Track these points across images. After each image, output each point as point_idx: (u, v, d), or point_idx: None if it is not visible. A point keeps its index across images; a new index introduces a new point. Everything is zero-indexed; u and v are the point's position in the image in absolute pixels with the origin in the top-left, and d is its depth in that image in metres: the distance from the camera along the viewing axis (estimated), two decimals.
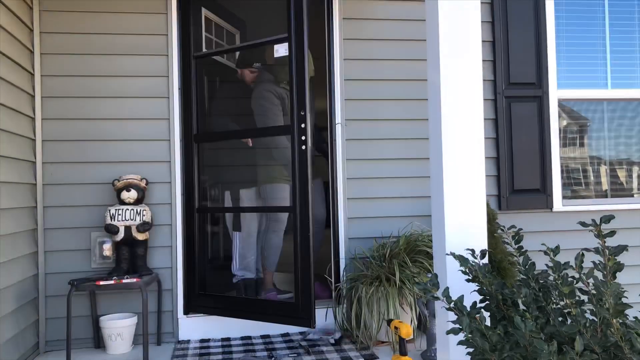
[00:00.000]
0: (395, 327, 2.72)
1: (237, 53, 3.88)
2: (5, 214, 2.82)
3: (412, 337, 2.89)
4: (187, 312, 3.40)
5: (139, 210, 3.23)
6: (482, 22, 3.73)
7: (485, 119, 3.69)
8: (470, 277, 1.74)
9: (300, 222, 3.05)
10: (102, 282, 3.00)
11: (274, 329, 3.48)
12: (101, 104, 3.39)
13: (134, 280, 3.03)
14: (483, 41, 3.69)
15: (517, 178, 3.75)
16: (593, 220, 1.54)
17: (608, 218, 1.53)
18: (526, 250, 1.86)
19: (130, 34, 3.43)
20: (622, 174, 4.01)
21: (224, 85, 4.03)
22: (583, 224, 1.54)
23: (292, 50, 3.06)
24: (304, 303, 3.04)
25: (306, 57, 3.02)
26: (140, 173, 3.35)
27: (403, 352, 2.70)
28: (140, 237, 3.22)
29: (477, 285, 1.77)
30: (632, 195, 4.00)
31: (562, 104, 3.90)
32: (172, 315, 3.41)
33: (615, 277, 1.48)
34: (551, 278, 1.69)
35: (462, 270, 1.75)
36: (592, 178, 3.96)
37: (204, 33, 3.53)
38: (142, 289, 2.98)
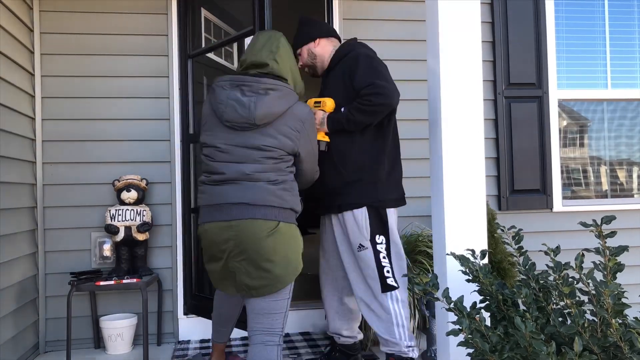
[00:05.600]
0: None
1: (235, 55, 3.86)
2: (5, 214, 2.82)
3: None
4: (187, 312, 3.40)
5: (139, 211, 3.23)
6: (482, 22, 3.73)
7: (485, 119, 3.69)
8: (470, 278, 1.74)
9: None
10: (102, 283, 3.00)
11: None
12: (101, 104, 3.39)
13: (134, 280, 3.03)
14: (483, 41, 3.69)
15: (517, 178, 3.74)
16: (594, 220, 1.54)
17: (609, 219, 1.52)
18: (526, 251, 1.86)
19: (131, 34, 3.43)
20: (622, 174, 4.00)
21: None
22: (584, 224, 1.54)
23: None
24: None
25: None
26: (140, 173, 3.35)
27: None
28: (141, 237, 3.22)
29: (477, 286, 1.77)
30: (632, 196, 4.00)
31: (562, 104, 3.90)
32: (173, 315, 3.40)
33: (615, 278, 1.47)
34: (551, 278, 1.69)
35: (462, 271, 1.75)
36: (592, 178, 3.96)
37: (203, 34, 3.52)
38: (142, 290, 2.98)
